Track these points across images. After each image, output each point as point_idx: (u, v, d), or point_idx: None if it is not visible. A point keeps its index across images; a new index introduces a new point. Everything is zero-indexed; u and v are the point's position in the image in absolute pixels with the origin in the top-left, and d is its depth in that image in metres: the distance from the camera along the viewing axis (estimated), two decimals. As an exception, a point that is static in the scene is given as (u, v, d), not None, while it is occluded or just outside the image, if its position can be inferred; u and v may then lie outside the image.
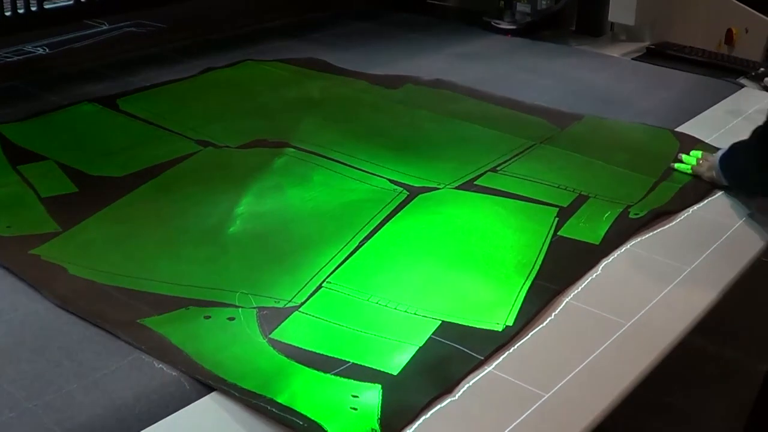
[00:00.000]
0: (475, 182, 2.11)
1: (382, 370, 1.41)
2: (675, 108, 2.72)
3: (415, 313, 1.58)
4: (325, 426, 1.27)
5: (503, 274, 1.72)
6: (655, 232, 1.93)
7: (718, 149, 2.20)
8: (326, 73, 2.93)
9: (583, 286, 1.70)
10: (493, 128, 2.47)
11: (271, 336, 1.49)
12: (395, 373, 1.41)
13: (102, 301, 1.58)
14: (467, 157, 2.26)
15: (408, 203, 1.99)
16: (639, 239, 1.89)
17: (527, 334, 1.54)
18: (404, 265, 1.76)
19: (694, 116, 2.64)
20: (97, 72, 2.92)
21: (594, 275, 1.74)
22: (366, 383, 1.38)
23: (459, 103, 2.68)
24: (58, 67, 2.96)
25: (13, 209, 1.93)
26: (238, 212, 1.94)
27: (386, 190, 2.06)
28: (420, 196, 2.03)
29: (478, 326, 1.54)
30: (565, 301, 1.65)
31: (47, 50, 3.12)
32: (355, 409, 1.32)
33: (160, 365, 1.40)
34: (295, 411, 1.30)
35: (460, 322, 1.55)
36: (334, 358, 1.44)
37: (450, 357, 1.46)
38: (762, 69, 3.03)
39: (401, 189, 2.06)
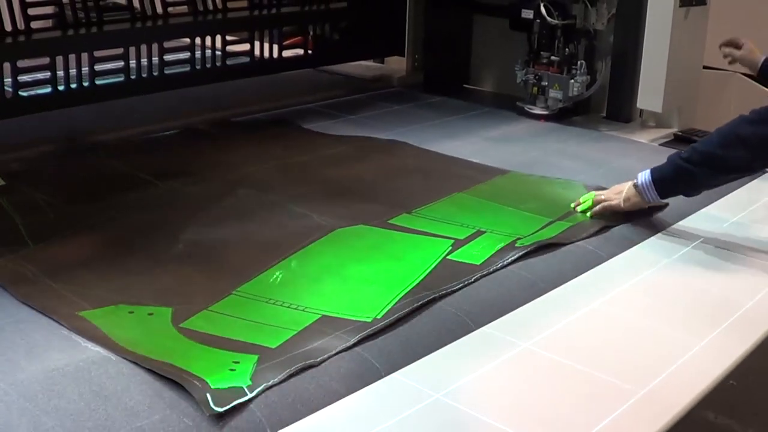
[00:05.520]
0: (388, 221, 2.49)
1: (263, 344, 1.83)
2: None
3: (304, 309, 1.99)
4: (207, 378, 1.68)
5: (388, 284, 2.10)
6: (676, 309, 2.12)
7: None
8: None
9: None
10: (425, 178, 2.93)
11: (180, 326, 1.91)
12: (274, 347, 1.82)
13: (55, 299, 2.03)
14: (393, 201, 2.66)
15: (324, 236, 2.40)
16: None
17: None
18: (305, 278, 2.17)
19: (717, 200, 2.81)
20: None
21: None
22: (247, 354, 1.79)
23: (417, 159, 3.16)
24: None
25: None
26: (182, 238, 2.38)
27: (313, 227, 2.46)
28: (337, 230, 2.43)
29: (350, 318, 1.94)
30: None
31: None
32: (233, 370, 1.73)
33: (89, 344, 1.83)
34: (185, 370, 1.71)
35: (336, 315, 1.96)
36: (226, 338, 1.86)
37: (322, 338, 1.85)
38: None
39: (325, 225, 2.47)
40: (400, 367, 1.81)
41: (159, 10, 3.56)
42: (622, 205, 2.53)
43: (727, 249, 2.45)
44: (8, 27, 3.14)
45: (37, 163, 2.98)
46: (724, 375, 1.84)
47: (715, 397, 1.80)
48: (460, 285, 2.10)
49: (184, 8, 3.67)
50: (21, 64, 3.13)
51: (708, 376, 1.82)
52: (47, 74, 3.19)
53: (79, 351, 1.79)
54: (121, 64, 3.37)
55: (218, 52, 3.71)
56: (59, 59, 3.20)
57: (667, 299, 2.17)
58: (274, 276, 2.15)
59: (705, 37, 3.64)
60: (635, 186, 2.51)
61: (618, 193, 2.55)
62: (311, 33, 4.11)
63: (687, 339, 1.96)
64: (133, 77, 3.41)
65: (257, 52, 3.85)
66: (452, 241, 2.34)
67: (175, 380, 1.68)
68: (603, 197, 2.58)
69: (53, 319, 1.92)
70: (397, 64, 4.51)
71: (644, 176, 2.49)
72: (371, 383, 1.75)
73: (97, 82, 3.32)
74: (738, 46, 3.24)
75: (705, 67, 3.78)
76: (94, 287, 2.08)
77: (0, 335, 1.86)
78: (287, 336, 1.86)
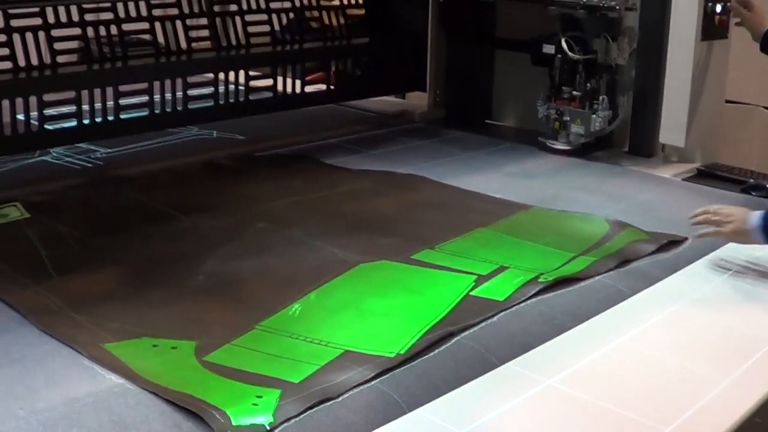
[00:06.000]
0: (411, 257, 2.50)
1: (286, 379, 1.83)
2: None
3: (327, 345, 1.99)
4: (228, 411, 1.69)
5: (411, 320, 2.10)
6: (701, 345, 2.10)
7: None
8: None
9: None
10: (446, 213, 2.94)
11: (204, 359, 1.92)
12: (297, 381, 1.82)
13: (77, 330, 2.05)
14: (414, 236, 2.67)
15: (347, 270, 2.41)
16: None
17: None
18: (328, 313, 2.17)
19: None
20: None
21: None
22: (270, 389, 1.79)
23: (439, 194, 3.18)
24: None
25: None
26: (202, 270, 2.41)
27: (334, 262, 2.47)
28: (360, 265, 2.43)
29: (373, 354, 1.94)
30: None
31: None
32: (257, 405, 1.73)
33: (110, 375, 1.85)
34: (206, 402, 1.72)
35: (359, 351, 1.96)
36: (250, 372, 1.87)
37: (345, 374, 1.86)
38: None
39: (346, 260, 2.47)
40: (422, 402, 1.80)
41: (183, 45, 3.60)
42: (731, 237, 2.52)
43: (753, 283, 2.43)
44: (35, 61, 3.18)
45: (61, 195, 3.00)
46: (750, 413, 1.83)
47: (741, 435, 1.79)
48: (480, 320, 2.10)
49: (207, 44, 3.71)
50: (47, 97, 3.16)
51: (734, 414, 1.80)
52: (73, 108, 3.21)
53: (99, 381, 1.81)
54: (145, 98, 3.41)
55: (241, 87, 3.73)
56: (84, 93, 3.24)
57: (692, 335, 2.15)
58: (298, 310, 2.16)
59: (727, 70, 3.63)
60: (747, 223, 2.46)
61: (731, 222, 2.49)
62: (333, 68, 4.13)
63: (712, 376, 1.94)
64: (157, 111, 3.44)
65: (280, 87, 3.87)
66: (476, 277, 2.34)
67: (195, 412, 1.69)
68: (717, 218, 2.51)
69: (74, 349, 1.94)
70: (418, 100, 4.51)
71: (757, 219, 2.45)
72: (393, 418, 1.75)
73: (122, 116, 3.35)
74: (749, 7, 3.21)
75: (727, 101, 3.77)
76: (117, 320, 2.09)
77: (21, 364, 1.88)
78: (310, 371, 1.86)
